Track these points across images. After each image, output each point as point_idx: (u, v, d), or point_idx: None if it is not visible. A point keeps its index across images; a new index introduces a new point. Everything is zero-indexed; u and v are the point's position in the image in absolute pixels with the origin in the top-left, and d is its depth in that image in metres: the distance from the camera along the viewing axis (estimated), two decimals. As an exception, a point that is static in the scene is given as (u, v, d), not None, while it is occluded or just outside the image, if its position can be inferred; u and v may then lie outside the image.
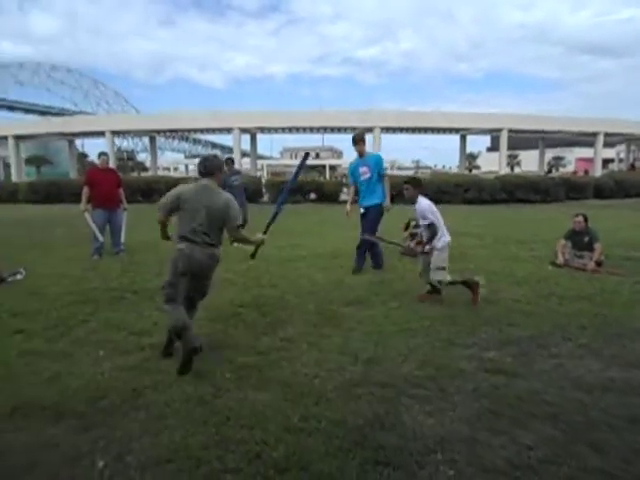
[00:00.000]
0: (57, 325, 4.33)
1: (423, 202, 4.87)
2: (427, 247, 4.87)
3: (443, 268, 4.82)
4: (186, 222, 3.52)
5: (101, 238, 7.48)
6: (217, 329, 4.23)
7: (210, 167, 3.66)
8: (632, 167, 34.02)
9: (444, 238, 4.87)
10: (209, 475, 2.24)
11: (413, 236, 7.73)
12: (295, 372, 3.35)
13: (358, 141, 6.40)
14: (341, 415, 2.74)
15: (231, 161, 9.74)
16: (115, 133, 35.25)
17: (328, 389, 3.09)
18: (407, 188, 4.92)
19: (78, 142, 53.08)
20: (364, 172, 6.42)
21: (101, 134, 33.55)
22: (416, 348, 3.74)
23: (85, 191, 7.60)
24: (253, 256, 4.23)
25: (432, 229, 4.79)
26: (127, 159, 70.37)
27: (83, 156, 58.66)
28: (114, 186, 7.75)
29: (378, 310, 4.75)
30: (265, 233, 3.95)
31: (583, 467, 2.28)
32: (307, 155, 4.79)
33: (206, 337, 3.99)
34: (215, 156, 3.98)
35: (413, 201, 4.93)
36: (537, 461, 2.33)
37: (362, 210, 6.51)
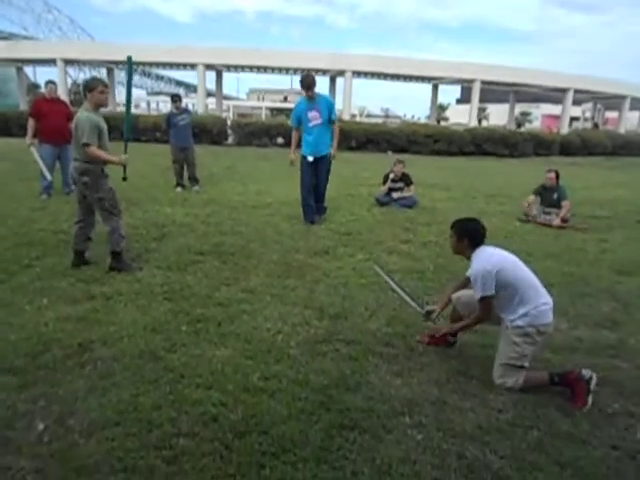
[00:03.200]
0: (-3, 270, 3.96)
1: (481, 255, 2.73)
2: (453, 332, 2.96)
3: (521, 367, 2.59)
4: None
5: (49, 176, 6.89)
6: (173, 278, 3.96)
7: (83, 89, 4.06)
8: (595, 126, 34.52)
9: (532, 317, 2.59)
10: (161, 439, 2.06)
11: (391, 191, 7.52)
12: (256, 327, 3.16)
13: (312, 85, 5.75)
14: (304, 374, 2.59)
15: (178, 98, 8.39)
16: (68, 62, 32.75)
17: (291, 345, 2.93)
18: (451, 235, 2.89)
19: (29, 71, 49.27)
20: (314, 117, 5.87)
21: (52, 62, 31.10)
22: (385, 303, 3.61)
23: (31, 123, 6.93)
24: (125, 179, 4.35)
25: (484, 309, 2.68)
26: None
27: (35, 87, 54.54)
28: (63, 119, 7.06)
29: (346, 262, 4.59)
30: (125, 152, 4.17)
31: (552, 431, 2.23)
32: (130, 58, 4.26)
33: (160, 287, 3.76)
34: (92, 78, 4.25)
35: (465, 257, 2.86)
36: (507, 424, 2.27)
37: (310, 159, 5.95)
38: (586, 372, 2.51)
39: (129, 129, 4.44)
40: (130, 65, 4.24)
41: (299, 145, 6.19)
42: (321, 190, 6.20)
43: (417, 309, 3.12)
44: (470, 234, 2.80)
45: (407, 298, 3.20)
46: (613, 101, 37.47)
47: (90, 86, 3.95)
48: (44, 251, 4.52)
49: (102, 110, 4.11)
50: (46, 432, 2.10)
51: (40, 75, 58.72)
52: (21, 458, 1.95)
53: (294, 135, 6.27)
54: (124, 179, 4.32)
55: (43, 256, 4.38)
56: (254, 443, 2.04)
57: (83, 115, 3.87)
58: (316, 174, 6.08)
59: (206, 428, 2.14)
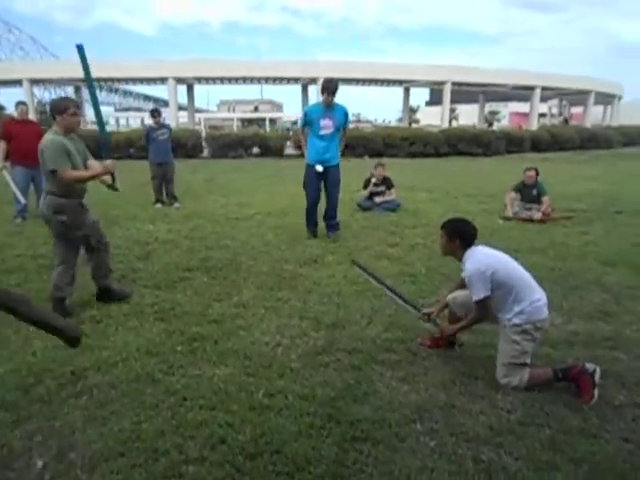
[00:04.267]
0: (-23, 300, 3.79)
1: (474, 256, 2.70)
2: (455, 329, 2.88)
3: (523, 365, 2.58)
4: None
5: (22, 200, 6.69)
6: (162, 297, 3.87)
7: (51, 111, 3.46)
8: (565, 122, 35.47)
9: (528, 314, 2.57)
10: (169, 468, 1.97)
11: (373, 195, 7.52)
12: (254, 341, 3.10)
13: (335, 91, 5.31)
14: (310, 388, 2.54)
15: (157, 113, 8.16)
16: (34, 82, 32.16)
17: (292, 359, 2.88)
18: (442, 236, 2.86)
19: (-8, 92, 48.15)
20: (326, 126, 5.44)
21: (18, 83, 30.46)
22: (380, 309, 3.58)
23: (2, 146, 6.72)
24: (116, 189, 3.71)
25: (481, 310, 2.65)
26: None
27: (-1, 108, 53.29)
28: (36, 140, 6.68)
29: (336, 270, 4.56)
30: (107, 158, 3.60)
31: (563, 428, 2.22)
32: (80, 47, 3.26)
33: (151, 307, 3.66)
34: (62, 98, 3.69)
35: (456, 258, 2.84)
36: (517, 424, 2.25)
37: (320, 168, 5.51)
38: (589, 365, 2.52)
39: (102, 128, 3.74)
40: (83, 55, 3.28)
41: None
42: (333, 203, 5.73)
43: (411, 310, 3.10)
44: (461, 234, 2.78)
45: (399, 300, 3.17)
46: (578, 97, 38.55)
47: (59, 108, 3.38)
48: (25, 277, 4.36)
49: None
50: (46, 469, 1.99)
51: (3, 96, 57.47)
52: (22, 499, 1.85)
53: (302, 138, 5.95)
54: (115, 189, 3.70)
55: (24, 282, 4.23)
56: (267, 464, 1.98)
57: (46, 138, 3.34)
58: (326, 186, 5.68)
59: (215, 452, 2.06)
